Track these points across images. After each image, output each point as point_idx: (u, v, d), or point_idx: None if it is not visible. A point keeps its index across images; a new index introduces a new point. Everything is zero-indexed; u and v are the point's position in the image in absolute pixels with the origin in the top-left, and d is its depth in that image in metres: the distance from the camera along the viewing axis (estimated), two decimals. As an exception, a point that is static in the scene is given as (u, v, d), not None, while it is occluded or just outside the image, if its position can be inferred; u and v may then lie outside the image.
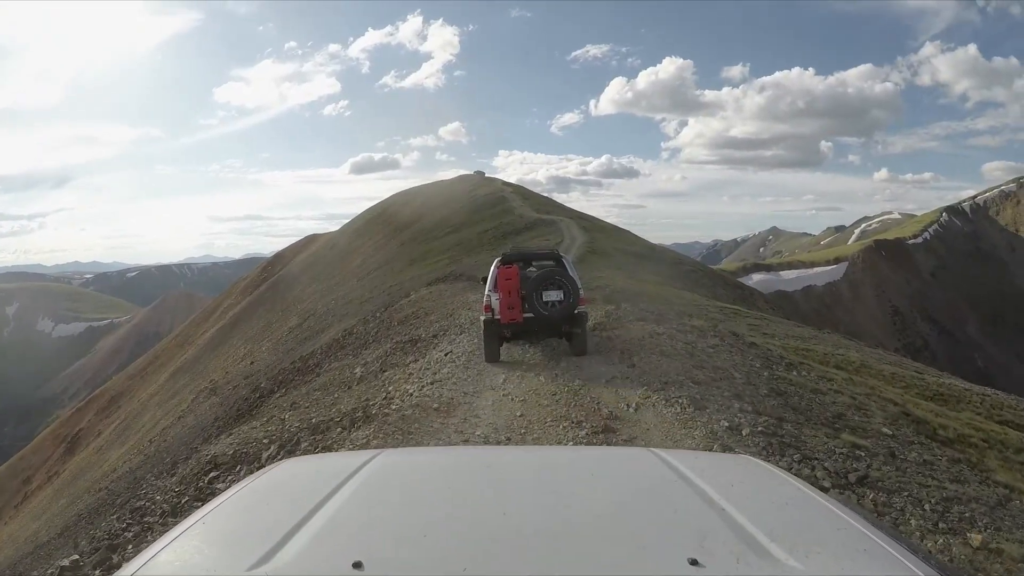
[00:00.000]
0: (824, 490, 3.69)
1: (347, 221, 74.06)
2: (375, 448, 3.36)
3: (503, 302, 9.29)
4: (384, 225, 56.52)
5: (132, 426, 35.57)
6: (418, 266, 34.11)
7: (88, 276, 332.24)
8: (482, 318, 9.59)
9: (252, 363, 26.77)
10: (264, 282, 62.02)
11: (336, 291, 38.11)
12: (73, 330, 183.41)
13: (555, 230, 36.78)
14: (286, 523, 1.30)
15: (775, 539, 1.24)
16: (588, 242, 32.09)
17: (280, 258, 72.24)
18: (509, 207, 48.65)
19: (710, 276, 38.63)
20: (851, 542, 1.30)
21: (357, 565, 1.12)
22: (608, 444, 6.14)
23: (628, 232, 47.25)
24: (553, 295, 9.33)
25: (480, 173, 75.99)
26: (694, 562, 1.13)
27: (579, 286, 9.53)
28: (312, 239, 74.29)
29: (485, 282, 10.00)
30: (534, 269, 10.15)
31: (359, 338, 16.03)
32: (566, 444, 6.24)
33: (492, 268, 9.83)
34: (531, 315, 9.31)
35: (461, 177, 76.22)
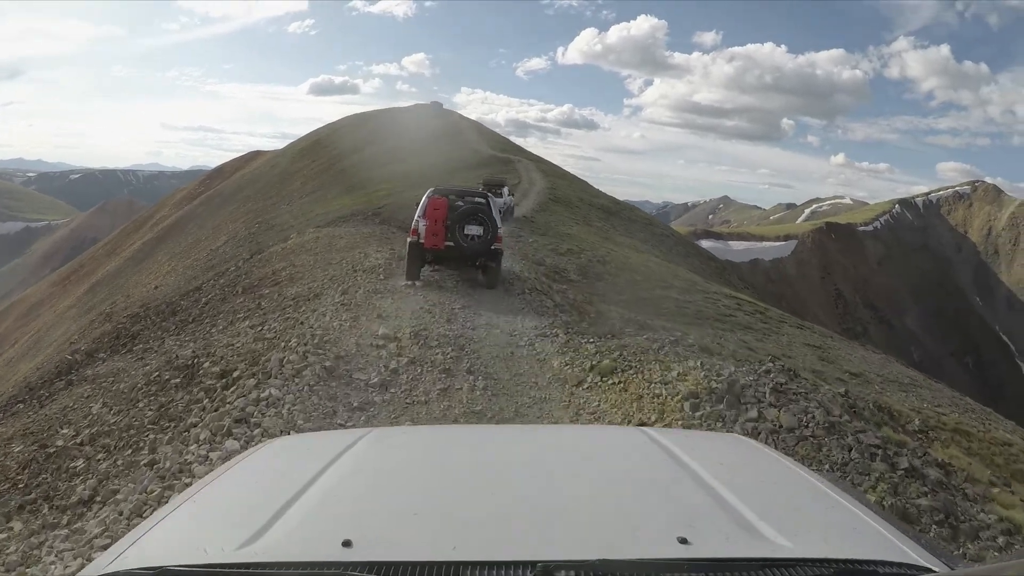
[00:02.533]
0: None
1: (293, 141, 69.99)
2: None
3: (428, 229, 10.14)
4: (330, 148, 53.23)
5: (44, 339, 33.40)
6: (354, 195, 31.83)
7: (31, 175, 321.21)
8: (408, 240, 10.41)
9: (156, 288, 24.87)
10: (200, 196, 58.87)
11: (265, 214, 35.77)
12: (9, 229, 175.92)
13: (512, 171, 34.73)
14: (276, 502, 1.29)
15: (765, 518, 1.23)
16: (549, 188, 30.20)
17: (221, 172, 68.47)
18: (464, 141, 46.41)
19: (683, 244, 36.54)
20: (841, 521, 1.31)
21: (347, 544, 1.12)
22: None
23: (586, 183, 45.69)
24: (474, 229, 10.23)
25: (437, 104, 72.63)
26: (683, 540, 1.13)
27: (499, 225, 10.46)
28: (255, 155, 70.08)
29: (413, 214, 10.84)
30: (462, 203, 10.83)
31: (194, 305, 12.02)
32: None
33: (424, 197, 10.64)
34: (452, 244, 10.17)
35: (417, 106, 72.46)
